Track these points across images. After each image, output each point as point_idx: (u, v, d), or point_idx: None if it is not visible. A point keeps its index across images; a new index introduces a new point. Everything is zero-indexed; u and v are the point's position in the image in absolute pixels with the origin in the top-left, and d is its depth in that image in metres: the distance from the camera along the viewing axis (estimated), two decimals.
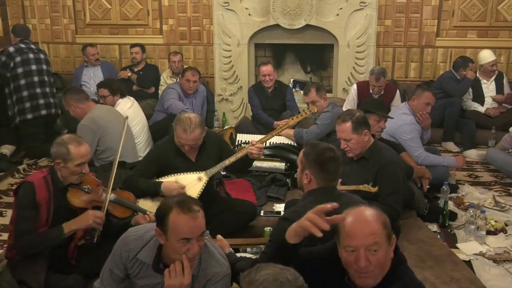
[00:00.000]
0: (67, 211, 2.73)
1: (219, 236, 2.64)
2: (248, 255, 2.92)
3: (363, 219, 1.76)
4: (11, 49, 5.08)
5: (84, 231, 2.85)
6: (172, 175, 3.22)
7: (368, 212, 1.78)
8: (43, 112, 5.14)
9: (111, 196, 2.84)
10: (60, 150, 2.68)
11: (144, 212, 2.89)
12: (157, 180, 3.23)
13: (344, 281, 1.83)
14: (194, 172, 3.22)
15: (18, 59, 5.04)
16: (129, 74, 6.21)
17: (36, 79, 5.11)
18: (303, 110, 3.69)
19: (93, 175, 2.93)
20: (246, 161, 3.36)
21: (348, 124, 3.10)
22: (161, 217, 1.99)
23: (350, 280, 1.81)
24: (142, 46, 6.36)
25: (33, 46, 5.25)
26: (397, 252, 1.84)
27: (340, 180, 2.98)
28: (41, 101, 5.12)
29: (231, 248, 2.58)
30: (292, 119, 3.59)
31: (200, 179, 3.22)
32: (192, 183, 3.20)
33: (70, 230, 2.65)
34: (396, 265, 1.80)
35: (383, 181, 3.05)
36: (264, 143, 3.54)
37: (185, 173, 3.22)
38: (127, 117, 3.21)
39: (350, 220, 1.77)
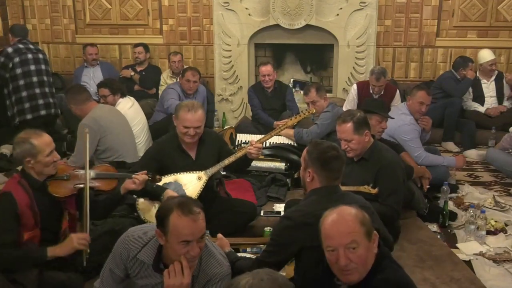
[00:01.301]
0: (52, 207, 2.71)
1: (219, 235, 2.64)
2: (248, 255, 2.92)
3: (340, 219, 1.81)
4: (10, 49, 5.05)
5: (73, 218, 2.83)
6: (172, 174, 3.21)
7: (345, 212, 1.83)
8: (43, 112, 5.12)
9: (91, 173, 2.81)
10: (24, 148, 2.61)
11: (129, 177, 2.87)
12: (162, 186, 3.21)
13: (333, 282, 1.88)
14: (194, 172, 3.22)
15: (16, 59, 5.01)
16: (132, 73, 6.19)
17: (35, 79, 5.09)
18: (302, 111, 3.69)
19: (63, 163, 2.90)
20: (245, 161, 3.36)
21: (349, 125, 3.10)
22: (161, 219, 1.98)
23: (339, 280, 1.86)
24: (145, 46, 6.34)
25: (31, 46, 5.22)
26: (380, 247, 1.89)
27: None
28: (40, 101, 5.11)
29: (231, 247, 2.58)
30: (291, 119, 3.59)
31: (199, 178, 3.22)
32: (192, 182, 3.19)
33: (54, 254, 2.58)
34: (380, 259, 1.84)
35: (384, 181, 3.05)
36: (264, 143, 3.54)
37: (184, 172, 3.21)
38: (87, 131, 3.06)
39: (328, 221, 1.83)
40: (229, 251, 2.52)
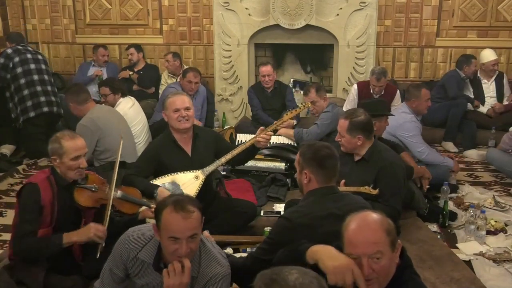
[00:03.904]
0: (71, 211, 2.71)
1: (205, 233, 2.63)
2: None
3: (366, 227, 1.72)
4: (9, 50, 5.14)
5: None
6: (169, 174, 3.22)
7: (371, 219, 1.75)
8: (45, 109, 5.14)
9: (118, 193, 2.83)
10: (53, 146, 2.68)
11: (151, 206, 2.88)
12: (154, 180, 3.23)
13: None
14: (191, 171, 3.22)
15: (16, 59, 5.07)
16: (130, 73, 6.19)
17: (36, 77, 5.14)
18: (298, 105, 3.69)
19: (94, 174, 2.92)
20: (251, 152, 3.35)
21: (346, 123, 3.13)
22: (157, 213, 2.01)
23: (355, 285, 1.78)
24: (137, 46, 6.31)
25: (30, 48, 5.32)
26: (403, 256, 1.82)
27: (343, 181, 2.98)
28: (42, 99, 5.13)
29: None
30: (287, 114, 3.56)
31: (197, 177, 3.21)
32: (189, 181, 3.19)
33: (70, 241, 2.61)
34: (401, 270, 1.78)
35: (385, 182, 3.05)
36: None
37: (182, 172, 3.21)
38: (121, 137, 3.14)
39: (353, 227, 1.74)
40: None
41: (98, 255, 2.60)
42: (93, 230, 2.60)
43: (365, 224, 1.73)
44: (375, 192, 2.98)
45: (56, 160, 2.68)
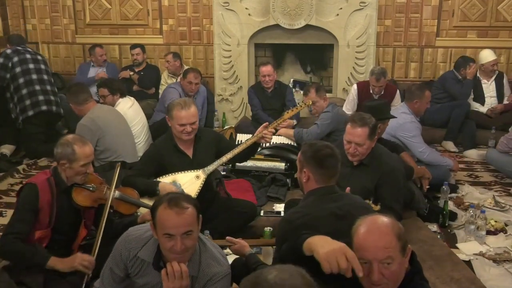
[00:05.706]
0: (70, 212, 2.72)
1: (236, 239, 2.62)
2: None
3: (377, 231, 1.69)
4: (8, 51, 5.18)
5: (86, 231, 2.84)
6: (170, 174, 3.22)
7: (382, 223, 1.71)
8: (44, 107, 5.14)
9: (116, 193, 2.85)
10: (65, 150, 2.66)
11: (148, 207, 2.88)
12: (155, 180, 3.23)
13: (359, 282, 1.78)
14: (192, 171, 3.22)
15: (15, 59, 5.11)
16: (131, 73, 6.20)
17: (34, 76, 5.16)
18: (298, 103, 3.68)
19: (96, 175, 2.93)
20: (252, 149, 3.37)
21: (366, 130, 3.03)
22: (152, 211, 2.01)
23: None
24: (142, 47, 6.34)
25: (29, 49, 5.35)
26: (413, 261, 1.80)
27: (348, 188, 2.97)
28: (41, 98, 5.14)
29: (251, 249, 2.56)
30: (287, 112, 3.56)
31: (198, 177, 3.22)
32: (190, 181, 3.20)
33: (53, 266, 2.56)
34: (411, 276, 1.76)
35: (387, 187, 3.05)
36: (264, 144, 3.50)
37: (183, 171, 3.21)
38: (119, 164, 3.11)
39: (363, 231, 1.70)
40: (250, 253, 2.50)
41: (83, 286, 2.56)
42: (79, 260, 2.57)
43: (376, 228, 1.70)
44: (377, 208, 2.90)
45: (65, 165, 2.67)
